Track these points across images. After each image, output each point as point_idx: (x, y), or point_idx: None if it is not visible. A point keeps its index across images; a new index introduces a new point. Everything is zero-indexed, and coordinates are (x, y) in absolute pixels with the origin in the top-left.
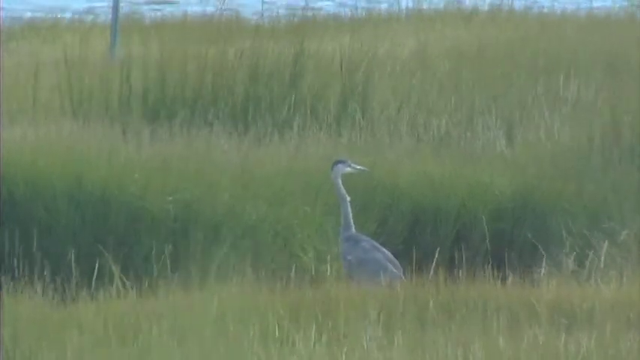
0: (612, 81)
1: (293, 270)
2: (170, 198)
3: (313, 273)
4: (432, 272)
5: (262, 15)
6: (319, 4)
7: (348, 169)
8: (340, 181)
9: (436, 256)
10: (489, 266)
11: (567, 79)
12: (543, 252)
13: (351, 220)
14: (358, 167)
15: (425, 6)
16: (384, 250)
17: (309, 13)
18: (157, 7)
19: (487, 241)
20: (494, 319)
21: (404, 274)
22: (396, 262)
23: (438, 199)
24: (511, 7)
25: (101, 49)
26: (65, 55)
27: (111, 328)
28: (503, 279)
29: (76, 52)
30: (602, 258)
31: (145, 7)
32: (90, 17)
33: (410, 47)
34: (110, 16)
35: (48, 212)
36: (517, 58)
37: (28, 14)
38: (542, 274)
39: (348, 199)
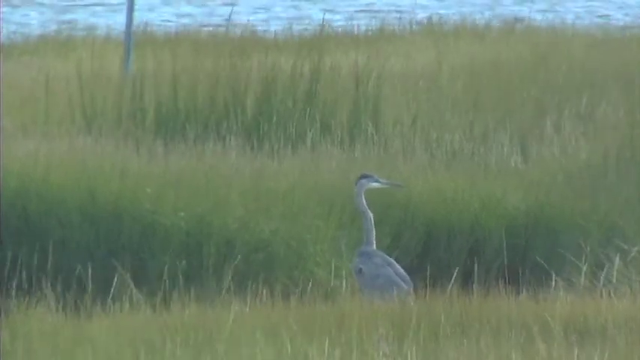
0: (628, 97)
1: (306, 285)
2: (183, 213)
3: (327, 288)
4: (450, 288)
5: (275, 30)
6: (333, 19)
7: (376, 185)
8: (363, 197)
9: (455, 274)
10: (503, 281)
11: (582, 95)
12: (557, 267)
13: (373, 237)
14: (384, 181)
15: (438, 22)
16: (396, 265)
17: (323, 28)
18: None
19: (501, 256)
20: (508, 334)
21: (417, 288)
22: (407, 277)
23: (452, 214)
24: (525, 23)
25: (114, 64)
26: (78, 69)
27: (124, 343)
28: (517, 294)
29: (89, 67)
30: (615, 273)
31: (159, 22)
32: (103, 32)
33: (423, 62)
34: (123, 31)
35: (61, 226)
36: (531, 74)
37: (42, 28)
38: (555, 289)
39: (371, 215)
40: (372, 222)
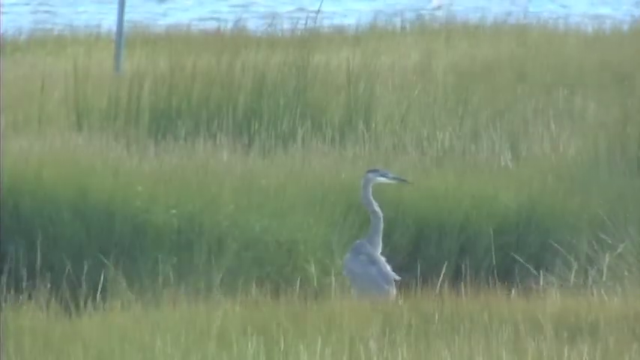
0: (617, 94)
1: (297, 283)
2: (174, 211)
3: (317, 285)
4: (440, 286)
5: (267, 28)
6: (324, 17)
7: (382, 179)
8: (370, 194)
9: (444, 270)
10: (493, 279)
11: (572, 92)
12: (547, 265)
13: (378, 237)
14: (391, 176)
15: (429, 20)
16: (381, 263)
17: (314, 26)
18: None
19: (491, 254)
20: (498, 332)
21: (408, 286)
22: (390, 277)
23: (442, 212)
24: (516, 21)
25: (106, 62)
26: (71, 67)
27: (115, 341)
28: (508, 292)
29: (81, 65)
30: (606, 271)
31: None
32: (95, 30)
33: (414, 60)
34: (115, 29)
35: (53, 224)
36: (522, 72)
37: (33, 26)
38: (546, 286)
39: (381, 214)
40: (382, 222)
